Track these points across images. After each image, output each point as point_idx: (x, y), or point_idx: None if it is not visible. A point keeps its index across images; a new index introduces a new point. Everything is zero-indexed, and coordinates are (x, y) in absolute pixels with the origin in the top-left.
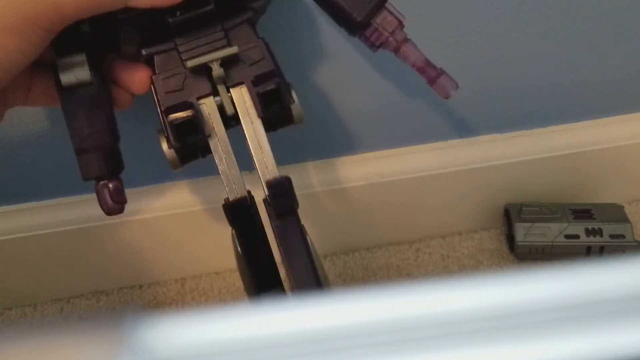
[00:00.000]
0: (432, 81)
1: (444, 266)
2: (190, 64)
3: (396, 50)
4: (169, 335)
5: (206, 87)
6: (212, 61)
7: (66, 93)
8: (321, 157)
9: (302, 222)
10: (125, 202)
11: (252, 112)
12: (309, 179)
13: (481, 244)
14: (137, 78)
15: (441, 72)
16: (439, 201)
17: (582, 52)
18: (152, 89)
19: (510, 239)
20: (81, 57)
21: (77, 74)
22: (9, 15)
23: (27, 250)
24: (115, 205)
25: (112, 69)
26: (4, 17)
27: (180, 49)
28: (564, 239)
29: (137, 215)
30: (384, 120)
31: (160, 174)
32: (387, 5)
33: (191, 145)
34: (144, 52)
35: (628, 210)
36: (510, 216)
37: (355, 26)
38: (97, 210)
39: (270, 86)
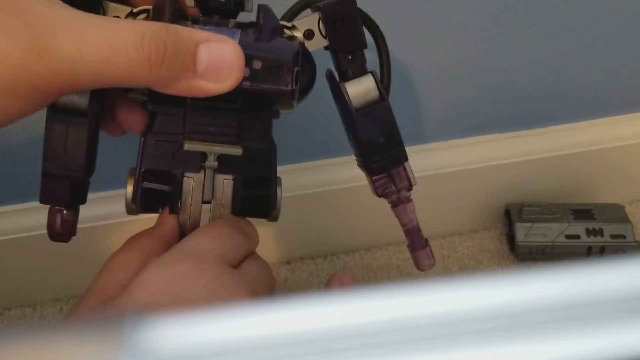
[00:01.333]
0: (413, 249)
1: (445, 266)
2: (187, 146)
3: (394, 205)
4: (169, 336)
5: (196, 166)
6: (210, 152)
7: (55, 114)
8: (321, 157)
9: (303, 223)
10: (74, 234)
11: (226, 210)
12: (310, 179)
13: (481, 244)
14: (132, 121)
15: (425, 244)
16: (439, 201)
17: (582, 52)
18: (140, 142)
19: (511, 239)
20: None
21: (75, 99)
22: (20, 85)
23: (27, 250)
24: (61, 233)
25: (113, 100)
26: (12, 85)
27: (187, 120)
28: (565, 239)
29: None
30: None
31: None
32: (405, 164)
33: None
34: (149, 107)
35: (629, 210)
36: (511, 216)
37: (366, 169)
38: (97, 211)
39: (258, 195)
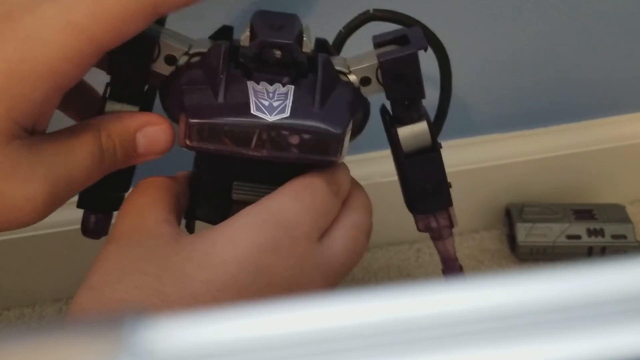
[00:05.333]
0: (446, 273)
1: None
2: (235, 197)
3: (434, 239)
4: (168, 337)
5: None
6: None
7: None
8: None
9: None
10: (106, 234)
11: None
12: None
13: (482, 245)
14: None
15: (459, 271)
16: None
17: (582, 51)
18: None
19: (512, 239)
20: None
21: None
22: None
23: (27, 250)
24: (93, 230)
25: None
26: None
27: (237, 165)
28: (566, 240)
29: None
30: None
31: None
32: (450, 208)
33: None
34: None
35: (630, 210)
36: (512, 216)
37: (410, 209)
38: None
39: None
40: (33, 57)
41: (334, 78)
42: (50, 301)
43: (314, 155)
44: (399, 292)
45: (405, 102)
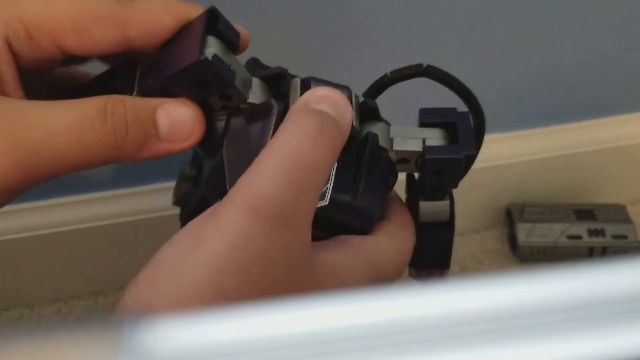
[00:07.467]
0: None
1: None
2: None
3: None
4: (168, 337)
5: None
6: None
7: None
8: None
9: None
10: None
11: None
12: None
13: (483, 245)
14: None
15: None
16: None
17: (582, 51)
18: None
19: (512, 239)
20: None
21: None
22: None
23: (25, 250)
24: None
25: None
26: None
27: None
28: (567, 240)
29: (136, 215)
30: None
31: (161, 174)
32: (446, 271)
33: None
34: None
35: (631, 210)
36: (512, 216)
37: (412, 264)
38: (96, 211)
39: None
40: None
41: (376, 156)
42: (49, 302)
43: (341, 234)
44: (399, 292)
45: (436, 187)
